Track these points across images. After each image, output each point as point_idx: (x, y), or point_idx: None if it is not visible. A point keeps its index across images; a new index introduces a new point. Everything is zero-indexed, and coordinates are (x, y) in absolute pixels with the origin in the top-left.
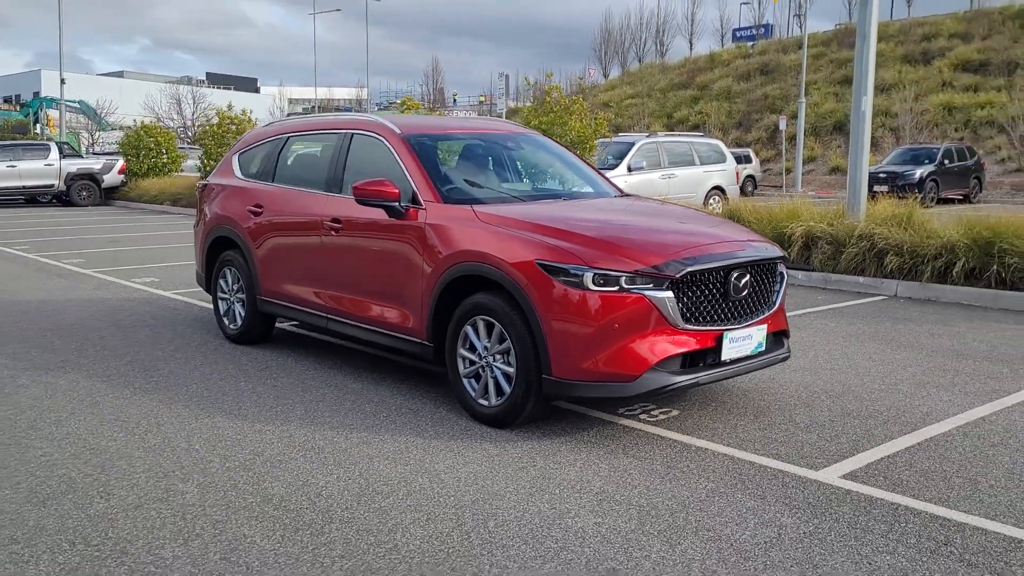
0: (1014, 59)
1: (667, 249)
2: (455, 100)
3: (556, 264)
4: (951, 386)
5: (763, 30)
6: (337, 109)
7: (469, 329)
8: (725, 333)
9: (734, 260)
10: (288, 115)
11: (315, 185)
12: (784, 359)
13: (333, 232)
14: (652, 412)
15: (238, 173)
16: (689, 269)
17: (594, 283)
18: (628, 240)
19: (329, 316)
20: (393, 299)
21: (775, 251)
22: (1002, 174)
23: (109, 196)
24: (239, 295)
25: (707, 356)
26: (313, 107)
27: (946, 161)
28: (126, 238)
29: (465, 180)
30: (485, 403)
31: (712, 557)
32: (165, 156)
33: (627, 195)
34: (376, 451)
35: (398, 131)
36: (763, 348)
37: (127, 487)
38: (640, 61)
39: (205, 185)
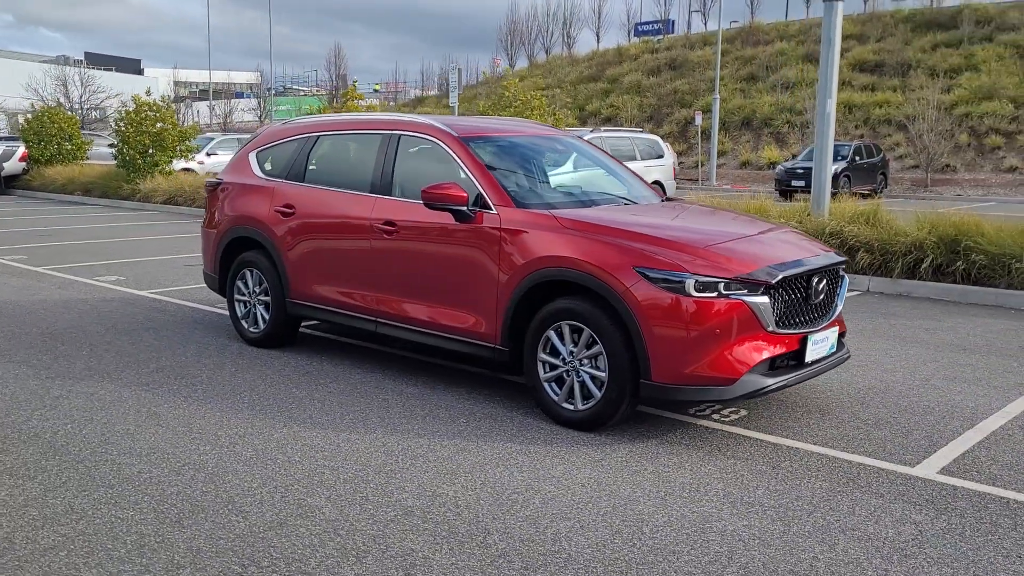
0: (907, 60)
1: (760, 256)
2: (355, 86)
3: (657, 271)
4: (978, 381)
5: (665, 26)
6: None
7: (552, 334)
8: (808, 336)
9: (815, 265)
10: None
11: (358, 187)
12: (847, 359)
13: (385, 235)
14: (722, 412)
15: (258, 172)
16: (783, 275)
17: (696, 289)
18: (723, 247)
19: (378, 320)
20: (460, 304)
21: (840, 256)
22: (901, 170)
23: (9, 185)
24: (262, 297)
25: (792, 358)
26: (205, 91)
27: (857, 158)
28: (57, 231)
29: (528, 183)
30: (570, 407)
31: (875, 556)
32: (70, 143)
33: (673, 199)
34: (480, 458)
35: (454, 133)
36: (835, 349)
37: (256, 504)
38: (547, 53)
39: (218, 184)
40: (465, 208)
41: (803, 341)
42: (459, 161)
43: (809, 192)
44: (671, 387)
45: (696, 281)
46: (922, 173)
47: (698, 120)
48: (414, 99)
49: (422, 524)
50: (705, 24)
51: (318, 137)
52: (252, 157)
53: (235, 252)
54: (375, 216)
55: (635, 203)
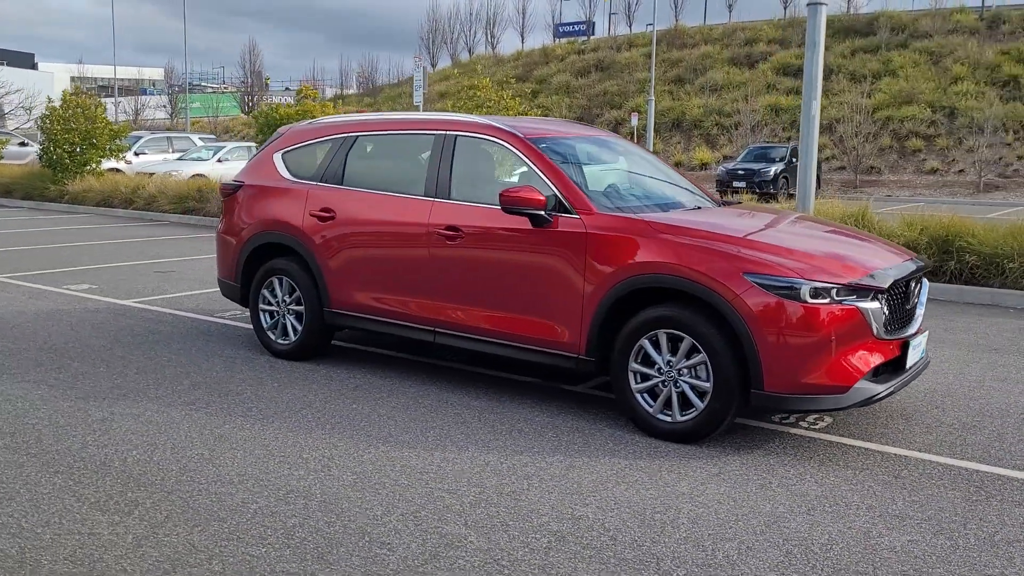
0: (829, 65)
1: (865, 261)
2: (267, 85)
3: (770, 277)
4: None
5: (588, 27)
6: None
7: (646, 343)
8: (910, 340)
9: (911, 270)
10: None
11: (409, 190)
12: (928, 363)
13: (447, 241)
14: (807, 419)
15: (286, 174)
16: (892, 279)
17: (811, 296)
18: (830, 252)
19: (436, 330)
20: (538, 312)
21: (923, 260)
22: (828, 171)
23: None
24: (293, 307)
25: (894, 365)
26: (105, 87)
27: (793, 159)
28: None
29: (601, 187)
30: (667, 418)
31: None
32: None
33: (730, 202)
34: (596, 476)
35: (520, 134)
36: (924, 354)
37: (393, 534)
38: (470, 52)
39: (237, 187)
40: (543, 212)
41: (904, 346)
42: (531, 164)
43: (750, 192)
44: (785, 396)
45: (812, 288)
46: (850, 174)
47: (634, 121)
48: (334, 97)
49: (583, 551)
50: (630, 26)
51: (356, 138)
52: (278, 158)
53: (261, 259)
54: (434, 221)
55: (704, 207)
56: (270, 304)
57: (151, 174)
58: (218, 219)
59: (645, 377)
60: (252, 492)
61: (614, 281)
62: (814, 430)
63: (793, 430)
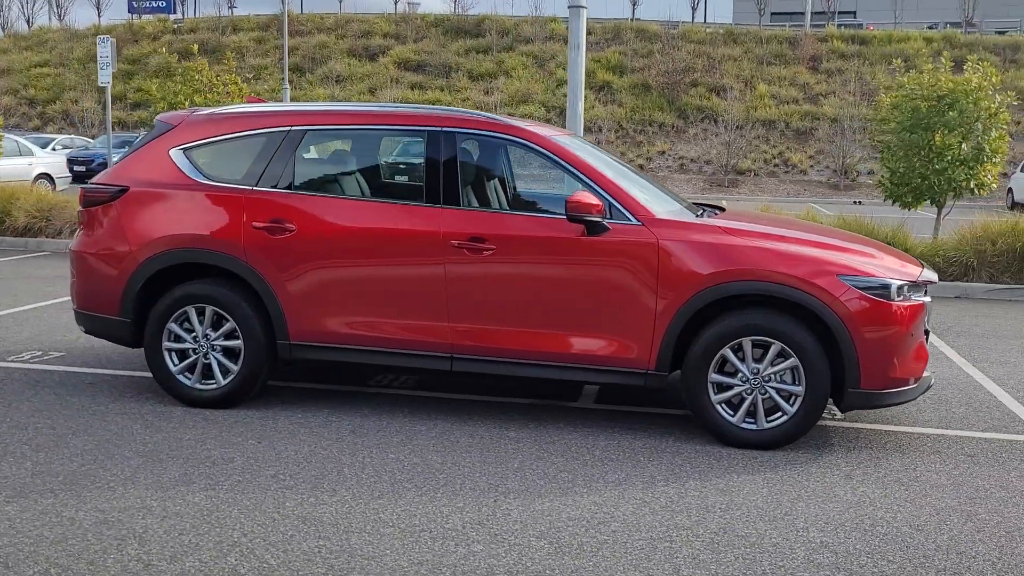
0: (448, 63)
1: (913, 259)
2: None
3: (863, 278)
4: None
5: (167, 4)
6: None
7: (728, 352)
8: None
9: None
10: None
11: (397, 195)
12: None
13: (469, 252)
14: (833, 413)
15: (196, 176)
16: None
17: (897, 294)
18: (889, 251)
19: (454, 356)
20: (596, 327)
21: None
22: None
23: None
24: (222, 342)
25: None
26: None
27: None
28: None
29: (641, 191)
30: (752, 427)
31: None
32: None
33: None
34: (726, 499)
35: (548, 135)
36: None
37: None
38: (29, 23)
39: (120, 191)
40: (602, 219)
41: (927, 335)
42: (572, 168)
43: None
44: (878, 393)
45: (899, 285)
46: None
47: None
48: None
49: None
50: (232, 8)
51: (304, 132)
52: (177, 155)
53: (164, 285)
54: (450, 231)
55: (715, 211)
56: (181, 341)
57: None
58: (73, 234)
59: (723, 387)
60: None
61: (696, 289)
62: (867, 420)
63: (845, 424)
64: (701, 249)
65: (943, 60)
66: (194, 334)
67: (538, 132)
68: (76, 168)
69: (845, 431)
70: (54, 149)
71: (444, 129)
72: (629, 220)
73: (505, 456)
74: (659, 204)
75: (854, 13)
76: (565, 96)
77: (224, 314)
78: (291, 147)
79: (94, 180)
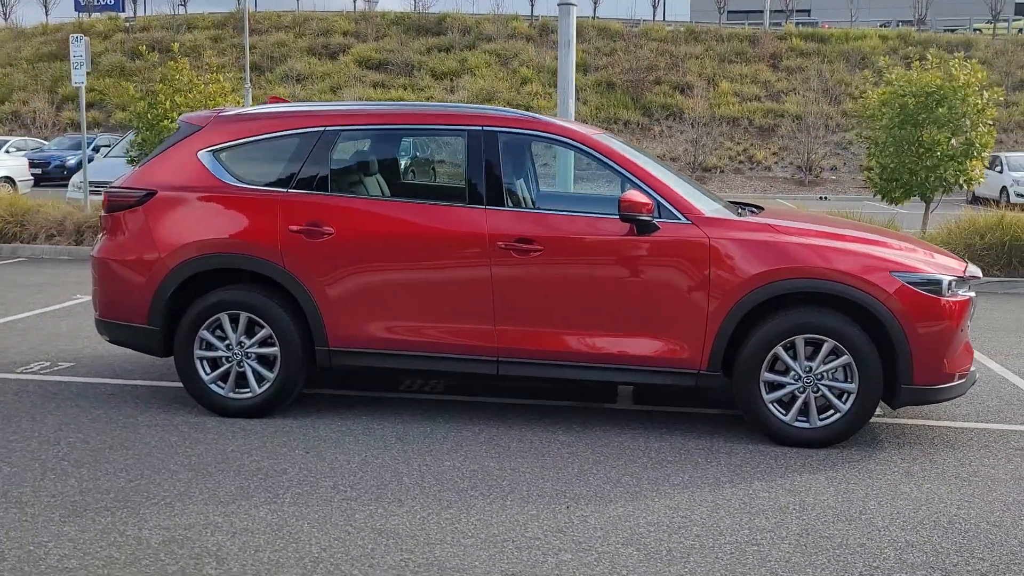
0: (410, 61)
1: (953, 255)
2: None
3: (916, 275)
4: None
5: (116, 3)
6: None
7: (780, 350)
8: None
9: None
10: None
11: (441, 197)
12: None
13: (516, 254)
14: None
15: (228, 179)
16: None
17: (948, 289)
18: (931, 247)
19: (500, 360)
20: (650, 328)
21: None
22: None
23: None
24: (257, 349)
25: None
26: None
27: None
28: None
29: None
30: (804, 425)
31: None
32: None
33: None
34: (804, 498)
35: (591, 134)
36: None
37: None
38: None
39: (148, 194)
40: (651, 218)
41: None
42: (619, 167)
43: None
44: (931, 388)
45: (948, 281)
46: None
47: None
48: None
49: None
50: (184, 6)
51: (338, 133)
52: (206, 158)
53: (195, 291)
54: (496, 232)
55: (754, 209)
56: (213, 349)
57: None
58: (97, 239)
59: (775, 386)
60: None
61: (747, 289)
62: (918, 417)
63: (896, 420)
64: (752, 247)
65: (919, 61)
66: (227, 342)
67: (582, 131)
68: (32, 171)
69: (889, 427)
70: (8, 151)
71: (485, 128)
72: (679, 219)
73: (561, 460)
74: (703, 203)
75: (808, 11)
76: (529, 95)
77: (259, 320)
78: (326, 148)
79: (117, 184)
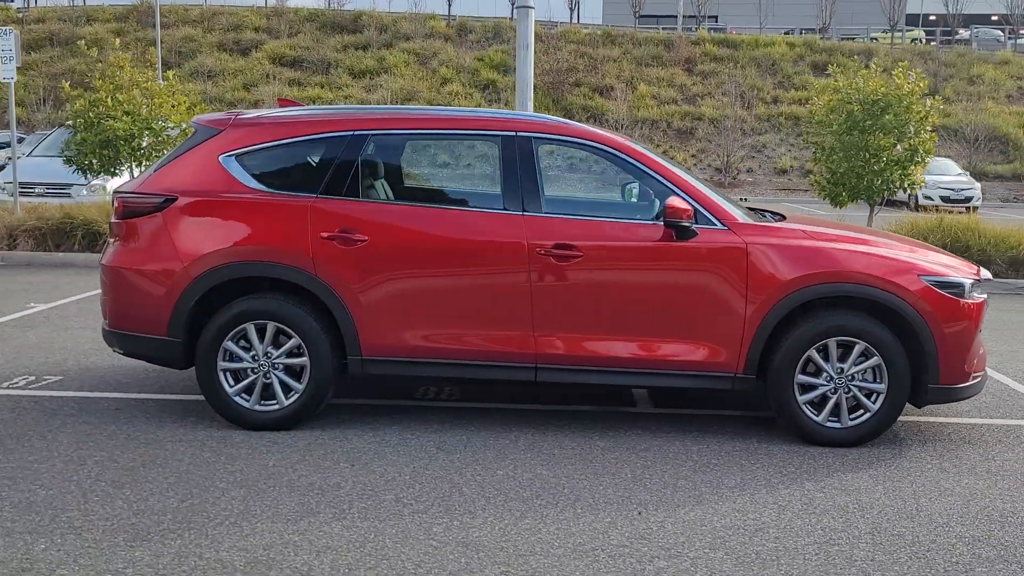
0: (326, 59)
1: (963, 259)
2: None
3: (941, 278)
4: None
5: None
6: None
7: (814, 353)
8: None
9: None
10: None
11: (476, 203)
12: None
13: (556, 261)
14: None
15: (254, 184)
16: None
17: (969, 292)
18: (941, 251)
19: (538, 366)
20: (687, 333)
21: None
22: None
23: None
24: (285, 360)
25: None
26: None
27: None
28: None
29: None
30: (836, 426)
31: None
32: None
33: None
34: (866, 498)
35: (625, 142)
36: None
37: None
38: None
39: (168, 200)
40: (691, 224)
41: None
42: (656, 174)
43: None
44: (955, 388)
45: (971, 283)
46: None
47: None
48: None
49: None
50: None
51: (366, 137)
52: (229, 162)
53: (219, 301)
54: (534, 239)
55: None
56: (238, 361)
57: None
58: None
59: (808, 388)
60: None
61: (784, 293)
62: (942, 415)
63: (922, 418)
64: (787, 252)
65: (836, 67)
66: (253, 352)
67: (617, 139)
68: None
69: (903, 425)
70: None
71: (519, 134)
72: (715, 225)
73: (610, 466)
74: (734, 210)
75: (716, 17)
76: (450, 94)
77: (288, 330)
78: (354, 153)
79: (129, 189)
